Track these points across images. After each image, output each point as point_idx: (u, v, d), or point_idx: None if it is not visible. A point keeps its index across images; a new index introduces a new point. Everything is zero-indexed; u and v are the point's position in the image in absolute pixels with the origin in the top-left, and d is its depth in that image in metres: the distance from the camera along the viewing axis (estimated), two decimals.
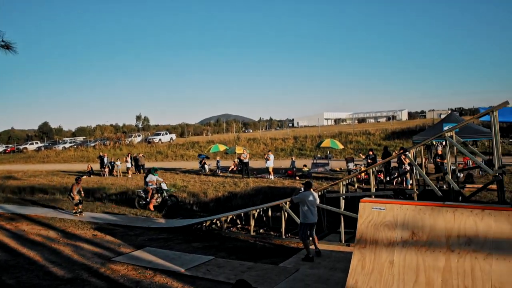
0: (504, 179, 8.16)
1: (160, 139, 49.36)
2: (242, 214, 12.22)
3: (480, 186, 11.19)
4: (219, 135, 62.84)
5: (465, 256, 5.13)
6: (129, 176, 25.37)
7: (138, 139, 51.68)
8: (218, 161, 25.64)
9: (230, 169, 24.36)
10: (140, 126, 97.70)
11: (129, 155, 27.65)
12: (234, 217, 12.42)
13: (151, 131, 71.21)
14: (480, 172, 16.68)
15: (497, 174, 7.80)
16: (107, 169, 27.11)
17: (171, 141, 49.92)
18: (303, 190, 9.02)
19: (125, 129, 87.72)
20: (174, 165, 31.16)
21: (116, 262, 8.66)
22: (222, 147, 28.12)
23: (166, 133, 54.71)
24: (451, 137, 8.66)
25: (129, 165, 26.22)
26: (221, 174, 23.78)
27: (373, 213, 6.00)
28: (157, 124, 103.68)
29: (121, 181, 23.38)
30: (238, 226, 12.49)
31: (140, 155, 28.24)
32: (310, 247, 8.77)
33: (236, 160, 24.52)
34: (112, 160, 28.22)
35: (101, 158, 28.24)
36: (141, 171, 26.59)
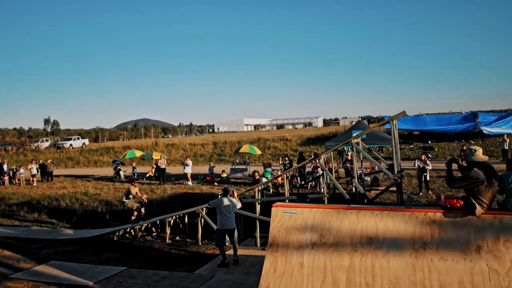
0: (403, 182, 8.94)
1: (71, 144, 46.20)
2: (158, 221, 11.90)
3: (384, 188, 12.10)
4: (137, 141, 60.62)
5: (367, 254, 5.50)
6: (34, 184, 23.38)
7: (46, 144, 47.86)
8: (134, 167, 24.70)
9: (147, 175, 23.60)
10: (48, 130, 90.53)
11: (33, 161, 25.49)
12: (149, 225, 12.04)
13: (61, 135, 66.29)
14: (385, 176, 18.08)
15: (397, 177, 8.50)
16: (6, 177, 24.71)
17: (84, 146, 47.02)
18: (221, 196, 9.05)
19: (31, 133, 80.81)
20: (87, 171, 29.39)
21: (14, 279, 7.89)
22: (138, 153, 27.14)
23: (78, 138, 51.35)
24: (358, 143, 9.28)
25: (34, 172, 24.14)
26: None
27: (284, 217, 6.18)
28: (69, 128, 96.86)
29: (24, 190, 21.48)
30: (153, 234, 12.13)
31: (49, 161, 26.17)
32: (227, 253, 8.79)
33: (154, 166, 23.84)
34: (14, 167, 25.80)
35: None
36: (49, 178, 24.66)
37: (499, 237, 5.02)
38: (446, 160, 18.66)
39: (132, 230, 11.90)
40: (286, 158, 19.44)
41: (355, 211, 5.85)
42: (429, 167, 14.92)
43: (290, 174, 10.71)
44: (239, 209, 9.13)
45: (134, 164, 25.55)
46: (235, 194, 9.31)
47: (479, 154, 5.24)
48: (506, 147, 21.08)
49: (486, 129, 26.37)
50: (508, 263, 4.88)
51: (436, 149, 26.01)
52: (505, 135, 22.59)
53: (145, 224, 11.85)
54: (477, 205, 5.13)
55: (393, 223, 5.58)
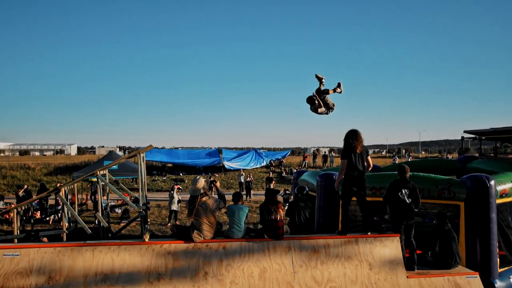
0: (153, 213, 9.06)
1: None
2: None
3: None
4: None
5: None
6: None
7: None
8: None
9: None
10: None
11: None
12: None
13: None
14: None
15: (141, 210, 8.57)
16: None
17: None
18: None
19: None
20: None
21: None
22: None
23: None
24: (104, 175, 8.95)
25: None
26: None
27: (4, 261, 5.28)
28: None
29: None
30: None
31: None
32: None
33: None
34: None
35: None
36: None
37: (222, 262, 5.67)
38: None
39: None
40: (21, 190, 16.92)
41: (91, 248, 5.54)
42: (178, 198, 15.76)
43: (24, 207, 9.34)
44: None
45: None
46: None
47: (193, 188, 5.89)
48: (242, 180, 24.46)
49: (228, 164, 30.10)
50: (228, 284, 5.52)
51: (186, 181, 27.84)
52: (241, 170, 26.30)
53: None
54: (193, 233, 5.72)
55: (130, 257, 5.55)
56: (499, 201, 7.46)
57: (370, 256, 5.95)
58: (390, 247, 6.06)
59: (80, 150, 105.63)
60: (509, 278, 7.36)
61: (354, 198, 6.56)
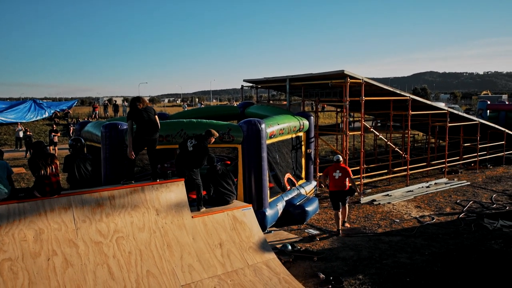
0: None
1: None
2: None
3: None
4: None
5: None
6: None
7: None
8: None
9: None
10: None
11: None
12: None
13: None
14: None
15: None
16: None
17: None
18: None
19: None
20: None
21: None
22: None
23: None
24: None
25: None
26: None
27: None
28: None
29: None
30: None
31: None
32: None
33: None
34: None
35: None
36: None
37: None
38: None
39: None
40: None
41: None
42: None
43: None
44: None
45: None
46: None
47: None
48: (21, 135, 21.35)
49: None
50: None
51: None
52: (18, 124, 22.84)
53: None
54: None
55: None
56: (268, 141, 8.63)
57: (156, 202, 6.07)
58: (176, 191, 6.31)
59: None
60: (276, 206, 8.76)
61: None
